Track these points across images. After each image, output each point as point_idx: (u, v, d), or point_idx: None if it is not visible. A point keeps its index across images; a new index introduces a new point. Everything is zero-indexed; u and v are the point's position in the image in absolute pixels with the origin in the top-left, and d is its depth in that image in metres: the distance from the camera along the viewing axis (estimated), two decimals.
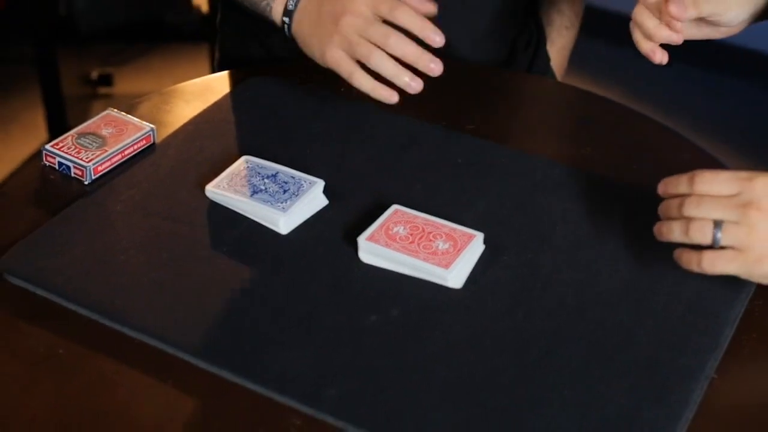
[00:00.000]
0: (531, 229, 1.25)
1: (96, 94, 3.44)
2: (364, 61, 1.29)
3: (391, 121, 1.41)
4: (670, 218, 1.13)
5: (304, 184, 1.26)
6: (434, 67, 1.28)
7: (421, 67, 1.28)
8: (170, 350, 1.09)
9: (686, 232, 1.11)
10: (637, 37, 1.27)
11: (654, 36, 1.25)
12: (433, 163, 1.35)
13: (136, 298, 1.15)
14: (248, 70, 1.56)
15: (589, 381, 1.06)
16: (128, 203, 1.28)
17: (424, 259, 1.16)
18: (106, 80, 3.45)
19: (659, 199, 1.24)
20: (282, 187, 1.26)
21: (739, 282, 1.17)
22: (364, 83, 1.30)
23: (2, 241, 1.21)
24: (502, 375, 1.07)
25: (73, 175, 1.32)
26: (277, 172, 1.28)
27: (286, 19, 1.38)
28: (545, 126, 1.45)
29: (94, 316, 1.13)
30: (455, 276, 1.16)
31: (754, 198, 1.08)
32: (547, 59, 1.74)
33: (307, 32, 1.36)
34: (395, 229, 1.19)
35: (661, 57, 1.27)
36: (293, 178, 1.27)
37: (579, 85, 1.58)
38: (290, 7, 1.37)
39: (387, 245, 1.18)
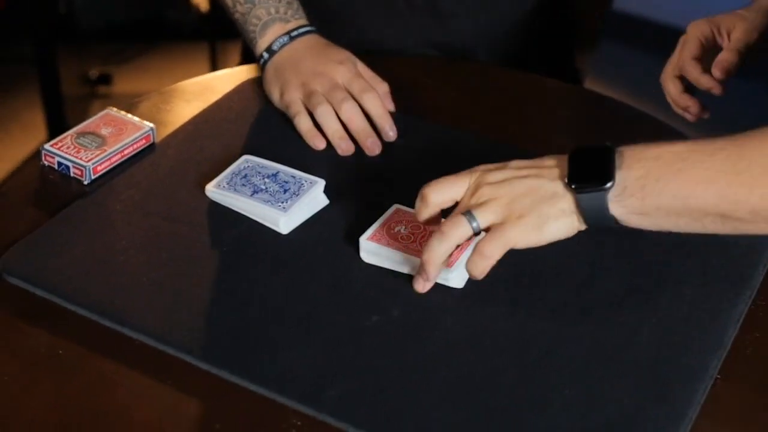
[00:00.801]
0: None
1: (95, 93, 3.43)
2: (311, 109, 1.39)
3: (396, 121, 1.41)
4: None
5: (305, 184, 1.26)
6: (371, 146, 1.37)
7: (360, 141, 1.38)
8: (170, 350, 1.09)
9: (444, 236, 1.10)
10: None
11: (676, 102, 1.38)
12: (434, 163, 1.35)
13: (135, 299, 1.14)
14: (248, 69, 1.55)
15: (591, 381, 1.06)
16: (128, 203, 1.27)
17: None
18: (106, 79, 3.45)
19: None
20: (282, 186, 1.26)
21: (743, 281, 1.17)
22: (303, 125, 1.39)
23: (1, 242, 1.21)
24: (503, 375, 1.06)
25: (72, 174, 1.31)
26: (278, 172, 1.28)
27: (266, 55, 1.46)
28: (546, 124, 1.45)
29: (94, 317, 1.12)
30: (457, 276, 1.16)
31: (480, 180, 1.11)
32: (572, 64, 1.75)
33: (276, 73, 1.45)
34: (396, 228, 1.19)
35: (693, 116, 1.40)
36: (294, 177, 1.27)
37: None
38: (274, 47, 1.46)
39: (388, 244, 1.17)
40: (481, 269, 1.09)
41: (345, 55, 1.46)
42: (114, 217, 1.25)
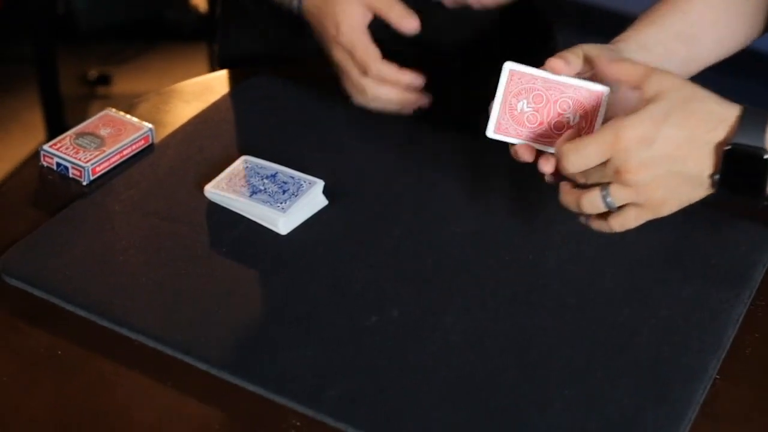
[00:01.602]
0: (533, 228, 1.25)
1: (95, 93, 3.43)
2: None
3: (391, 120, 1.41)
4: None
5: (304, 185, 1.26)
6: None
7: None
8: (169, 351, 1.09)
9: (579, 206, 1.08)
10: None
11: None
12: (433, 162, 1.35)
13: (135, 299, 1.14)
14: (248, 69, 1.55)
15: (591, 381, 1.06)
16: (127, 204, 1.27)
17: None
18: (105, 80, 3.45)
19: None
20: (281, 187, 1.25)
21: (742, 282, 1.17)
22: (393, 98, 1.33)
23: (0, 242, 1.21)
24: (503, 375, 1.06)
25: (71, 175, 1.31)
26: (277, 173, 1.28)
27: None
28: None
29: (93, 317, 1.12)
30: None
31: (621, 163, 1.04)
32: None
33: (317, 13, 1.36)
34: (520, 107, 1.10)
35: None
36: (293, 178, 1.27)
37: None
38: None
39: (517, 134, 1.10)
40: (608, 231, 1.09)
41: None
42: (113, 218, 1.25)
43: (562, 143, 1.06)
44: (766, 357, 1.11)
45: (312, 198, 1.25)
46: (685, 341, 1.10)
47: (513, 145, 1.10)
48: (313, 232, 1.23)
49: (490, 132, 1.10)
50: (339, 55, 1.34)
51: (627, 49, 1.15)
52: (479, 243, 1.22)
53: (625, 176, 1.04)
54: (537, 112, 1.09)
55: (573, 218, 1.24)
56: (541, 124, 1.09)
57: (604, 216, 1.08)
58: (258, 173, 1.28)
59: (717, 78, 1.30)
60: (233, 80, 1.53)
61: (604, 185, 1.05)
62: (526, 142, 1.09)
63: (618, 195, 1.05)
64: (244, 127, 1.42)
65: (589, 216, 1.10)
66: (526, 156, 1.10)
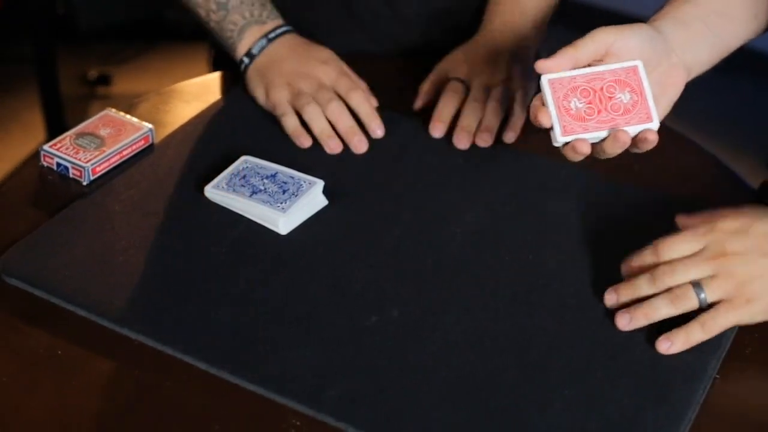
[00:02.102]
0: (533, 229, 1.25)
1: (95, 94, 3.43)
2: (299, 109, 1.40)
3: (392, 120, 1.41)
4: (637, 297, 1.12)
5: (304, 185, 1.26)
6: (358, 144, 1.38)
7: (347, 139, 1.39)
8: (169, 351, 1.09)
9: (672, 303, 1.09)
10: None
11: None
12: (434, 164, 1.35)
13: (135, 299, 1.14)
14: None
15: (591, 381, 1.06)
16: (127, 204, 1.27)
17: (626, 123, 1.10)
18: (105, 80, 3.44)
19: (662, 200, 1.25)
20: (281, 187, 1.25)
21: None
22: (290, 124, 1.40)
23: (1, 242, 1.21)
24: (503, 375, 1.06)
25: (71, 175, 1.31)
26: (277, 173, 1.28)
27: (246, 60, 1.46)
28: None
29: (93, 317, 1.12)
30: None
31: (719, 247, 1.09)
32: None
33: (259, 75, 1.45)
34: (573, 104, 1.11)
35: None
36: (293, 178, 1.27)
37: None
38: (254, 51, 1.46)
39: (585, 129, 1.11)
40: (698, 340, 1.09)
41: (328, 53, 1.46)
42: (113, 218, 1.25)
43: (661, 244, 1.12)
44: (765, 357, 1.11)
45: (312, 198, 1.25)
46: None
47: (566, 144, 1.11)
48: (313, 232, 1.23)
49: (559, 137, 1.10)
50: (300, 84, 1.42)
51: (664, 26, 1.16)
52: (479, 243, 1.22)
53: (723, 260, 1.08)
54: (590, 104, 1.11)
55: (575, 219, 1.25)
56: (600, 112, 1.11)
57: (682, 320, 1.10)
58: (258, 173, 1.28)
59: (721, 78, 1.30)
60: (233, 80, 1.53)
61: (695, 281, 1.09)
62: (596, 132, 1.10)
63: (711, 287, 1.08)
64: (244, 127, 1.42)
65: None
66: (585, 148, 1.11)
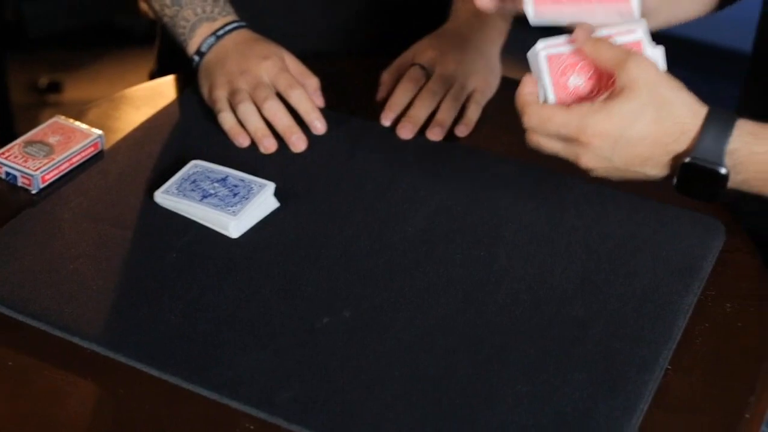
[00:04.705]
0: (484, 225, 1.25)
1: (45, 101, 3.40)
2: (234, 107, 1.39)
3: (340, 120, 1.41)
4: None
5: (254, 187, 1.26)
6: (296, 142, 1.38)
7: (285, 138, 1.38)
8: (121, 358, 1.08)
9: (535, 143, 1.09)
10: None
11: None
12: (384, 162, 1.35)
13: (85, 307, 1.14)
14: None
15: (544, 375, 1.06)
16: (77, 211, 1.26)
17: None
18: (56, 87, 3.42)
19: (611, 195, 1.25)
20: (232, 190, 1.25)
21: (692, 273, 1.18)
22: (227, 122, 1.40)
23: None
24: (457, 372, 1.07)
25: (20, 184, 1.30)
26: (227, 176, 1.28)
27: (196, 58, 1.46)
28: (496, 122, 1.45)
29: (44, 326, 1.11)
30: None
31: (581, 152, 1.06)
32: None
33: (206, 73, 1.45)
34: (572, 82, 1.08)
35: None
36: (243, 181, 1.27)
37: None
38: (203, 49, 1.46)
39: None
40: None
41: (271, 49, 1.45)
42: (63, 226, 1.25)
43: (527, 99, 1.08)
44: (716, 347, 1.12)
45: (263, 201, 1.25)
46: (636, 333, 1.11)
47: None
48: (264, 234, 1.23)
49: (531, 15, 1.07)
50: (239, 81, 1.41)
51: None
52: (430, 242, 1.22)
53: (581, 162, 1.06)
54: (590, 82, 1.08)
55: (525, 215, 1.26)
56: (600, 91, 1.08)
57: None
58: (208, 177, 1.28)
59: (702, 79, 1.31)
60: (182, 84, 1.53)
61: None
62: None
63: (569, 157, 1.07)
64: (194, 132, 1.42)
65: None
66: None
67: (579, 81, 1.08)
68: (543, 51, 1.08)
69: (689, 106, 1.04)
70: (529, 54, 1.09)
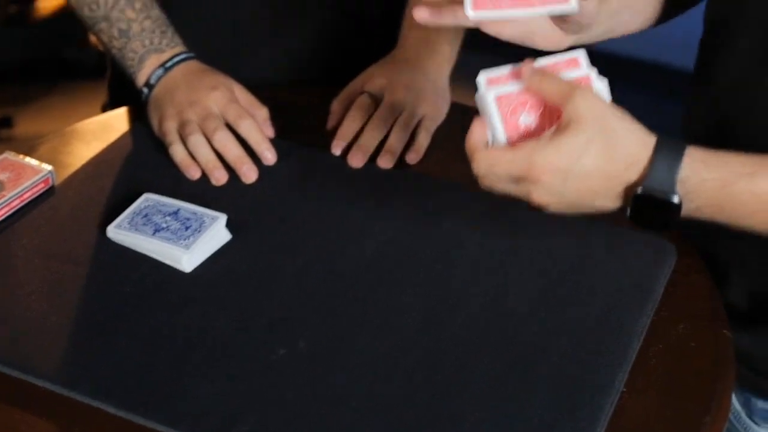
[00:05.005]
0: (437, 251, 1.25)
1: None
2: (185, 139, 1.39)
3: (291, 150, 1.41)
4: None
5: (206, 220, 1.25)
6: (246, 173, 1.38)
7: (235, 168, 1.38)
8: (77, 396, 1.07)
9: (484, 180, 1.08)
10: None
11: None
12: (335, 191, 1.35)
13: (40, 345, 1.13)
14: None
15: (502, 399, 1.06)
16: (28, 248, 1.26)
17: (543, 3, 1.05)
18: (7, 122, 3.40)
19: (561, 219, 1.26)
20: (184, 223, 1.25)
21: (645, 294, 1.19)
22: (177, 154, 1.39)
23: None
24: (414, 398, 1.07)
25: None
26: (179, 209, 1.27)
27: (146, 90, 1.46)
28: (446, 149, 1.46)
29: None
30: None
31: (532, 189, 1.05)
32: None
33: (155, 105, 1.45)
34: (522, 121, 1.07)
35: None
36: (195, 214, 1.26)
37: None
38: (152, 81, 1.46)
39: (497, 6, 1.05)
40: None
41: (220, 80, 1.45)
42: (15, 263, 1.24)
43: (476, 145, 1.07)
44: (670, 367, 1.12)
45: (215, 233, 1.25)
46: (592, 356, 1.11)
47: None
48: (218, 267, 1.23)
49: (469, 10, 1.05)
50: (189, 113, 1.41)
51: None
52: (384, 269, 1.23)
53: (533, 198, 1.06)
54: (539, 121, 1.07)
55: (479, 239, 1.26)
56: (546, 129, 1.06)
57: None
58: (160, 211, 1.27)
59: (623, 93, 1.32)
60: (133, 117, 1.52)
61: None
62: (510, 10, 1.05)
63: (521, 195, 1.06)
64: (145, 165, 1.41)
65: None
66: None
67: (529, 119, 1.07)
68: (491, 92, 1.07)
69: (637, 136, 1.04)
70: (477, 96, 1.08)
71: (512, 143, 1.06)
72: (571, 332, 1.14)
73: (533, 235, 1.27)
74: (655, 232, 1.09)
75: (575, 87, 1.04)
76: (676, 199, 1.03)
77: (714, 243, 1.28)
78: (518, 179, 1.04)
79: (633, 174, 1.03)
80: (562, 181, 1.03)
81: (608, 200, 1.06)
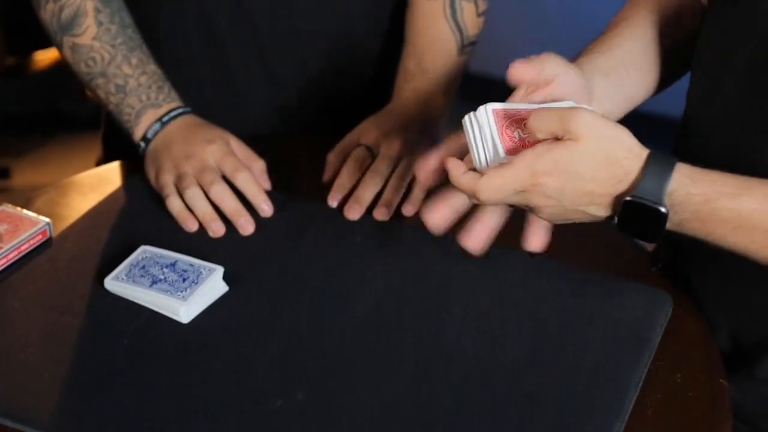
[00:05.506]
0: (432, 303, 1.26)
1: None
2: (181, 192, 1.40)
3: (287, 202, 1.42)
4: None
5: (204, 272, 1.26)
6: (244, 225, 1.38)
7: (233, 220, 1.39)
8: None
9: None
10: None
11: None
12: (332, 243, 1.36)
13: (38, 397, 1.13)
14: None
15: None
16: (26, 300, 1.26)
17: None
18: (4, 173, 3.41)
19: (557, 269, 1.26)
20: (181, 275, 1.25)
21: (641, 344, 1.19)
22: (174, 207, 1.40)
23: None
24: None
25: None
26: (176, 261, 1.28)
27: (143, 144, 1.47)
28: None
29: None
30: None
31: (530, 197, 1.07)
32: None
33: (152, 159, 1.46)
34: (515, 134, 1.09)
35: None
36: (192, 266, 1.27)
37: None
38: (149, 136, 1.47)
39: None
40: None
41: (216, 133, 1.46)
42: (12, 315, 1.24)
43: (470, 179, 1.08)
44: (667, 417, 1.12)
45: (212, 285, 1.25)
46: (588, 407, 1.11)
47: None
48: (215, 318, 1.23)
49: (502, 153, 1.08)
50: (185, 166, 1.42)
51: (589, 74, 1.20)
52: (380, 321, 1.23)
53: (531, 203, 1.08)
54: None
55: (472, 289, 1.26)
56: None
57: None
58: (157, 262, 1.28)
59: None
60: (129, 170, 1.53)
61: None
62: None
63: (521, 203, 1.09)
64: (142, 217, 1.42)
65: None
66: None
67: (525, 134, 1.09)
68: (489, 105, 1.09)
69: (632, 148, 1.06)
70: (466, 118, 1.09)
71: (510, 151, 1.08)
72: (568, 382, 1.14)
73: (528, 286, 1.28)
74: (642, 239, 1.11)
75: (569, 110, 1.07)
76: (663, 210, 1.06)
77: (706, 291, 1.28)
78: (522, 191, 1.07)
79: (625, 183, 1.06)
80: (561, 182, 1.05)
81: (601, 207, 1.08)
